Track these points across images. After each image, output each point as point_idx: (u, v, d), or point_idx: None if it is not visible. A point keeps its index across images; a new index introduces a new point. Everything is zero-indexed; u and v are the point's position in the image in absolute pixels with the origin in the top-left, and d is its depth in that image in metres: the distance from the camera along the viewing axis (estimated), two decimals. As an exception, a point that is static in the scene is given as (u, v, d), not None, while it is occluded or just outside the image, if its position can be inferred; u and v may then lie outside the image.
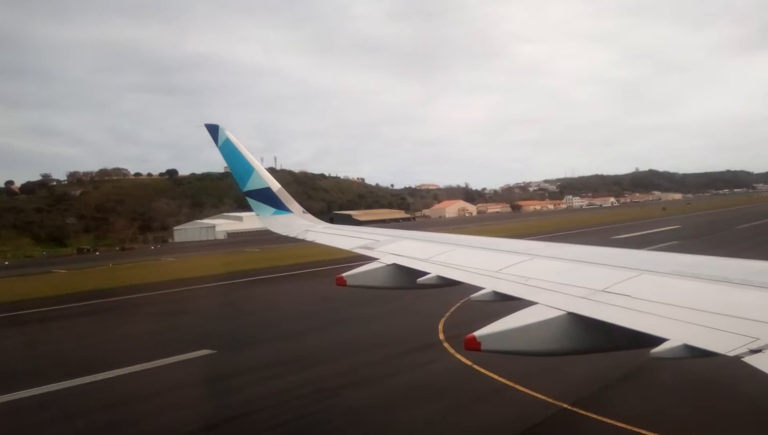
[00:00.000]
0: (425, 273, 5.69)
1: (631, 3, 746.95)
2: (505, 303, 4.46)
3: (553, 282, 4.52)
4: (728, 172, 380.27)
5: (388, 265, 6.34)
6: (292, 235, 9.50)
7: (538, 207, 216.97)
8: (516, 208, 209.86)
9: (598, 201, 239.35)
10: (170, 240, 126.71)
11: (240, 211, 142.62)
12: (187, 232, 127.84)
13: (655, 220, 74.58)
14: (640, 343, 3.35)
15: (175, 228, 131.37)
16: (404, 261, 6.34)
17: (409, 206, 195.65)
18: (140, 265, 55.93)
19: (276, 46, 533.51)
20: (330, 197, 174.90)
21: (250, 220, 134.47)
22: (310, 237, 9.07)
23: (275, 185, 10.04)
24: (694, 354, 2.98)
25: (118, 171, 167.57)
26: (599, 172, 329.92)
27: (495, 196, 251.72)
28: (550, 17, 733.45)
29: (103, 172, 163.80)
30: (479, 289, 4.76)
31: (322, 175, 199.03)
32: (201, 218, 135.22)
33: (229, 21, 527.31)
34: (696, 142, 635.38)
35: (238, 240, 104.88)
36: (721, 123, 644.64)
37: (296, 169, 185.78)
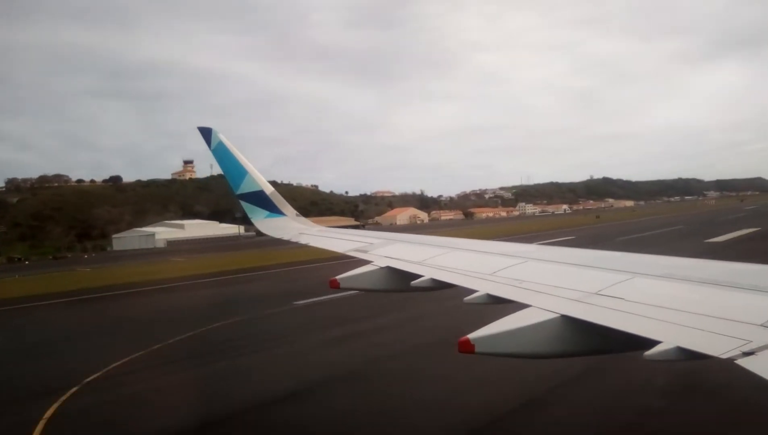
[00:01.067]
0: (419, 276, 5.66)
1: (584, 15, 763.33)
2: (499, 306, 4.41)
3: (547, 285, 4.49)
4: (680, 179, 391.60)
5: (382, 268, 6.30)
6: (285, 237, 9.45)
7: (490, 214, 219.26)
8: (468, 215, 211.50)
9: (551, 208, 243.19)
10: (109, 248, 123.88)
11: (184, 219, 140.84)
12: (126, 240, 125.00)
13: (573, 229, 76.07)
14: (633, 345, 3.33)
15: (113, 236, 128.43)
16: (398, 264, 6.31)
17: (362, 213, 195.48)
18: (43, 277, 54.26)
19: (233, 52, 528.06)
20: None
21: (191, 228, 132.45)
22: (303, 240, 9.05)
23: (268, 188, 10.07)
24: (687, 356, 2.97)
25: (59, 177, 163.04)
26: (556, 180, 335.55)
27: (450, 204, 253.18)
28: (506, 27, 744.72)
29: (43, 179, 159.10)
30: (473, 291, 4.72)
31: (274, 182, 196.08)
32: (143, 226, 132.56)
33: (185, 27, 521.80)
34: (650, 150, 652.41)
35: (177, 248, 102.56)
36: (674, 132, 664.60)
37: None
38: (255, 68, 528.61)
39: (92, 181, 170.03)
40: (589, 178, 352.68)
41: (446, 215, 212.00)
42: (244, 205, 9.99)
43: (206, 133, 9.88)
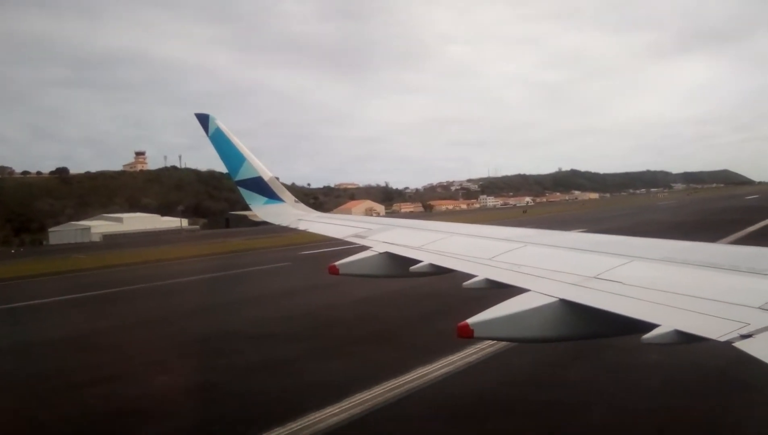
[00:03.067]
0: (418, 261, 5.57)
1: (555, 8, 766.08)
2: (498, 290, 4.34)
3: (546, 269, 4.47)
4: (648, 172, 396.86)
5: (380, 254, 6.26)
6: (284, 224, 9.42)
7: (450, 207, 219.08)
8: (428, 207, 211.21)
9: (514, 201, 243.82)
10: (45, 242, 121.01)
11: (129, 212, 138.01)
12: (61, 234, 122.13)
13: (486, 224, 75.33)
14: (631, 329, 3.34)
15: (49, 230, 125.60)
16: (397, 249, 6.27)
17: (320, 205, 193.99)
18: None
19: (201, 42, 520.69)
20: (234, 197, 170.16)
21: (130, 222, 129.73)
22: (302, 226, 9.08)
23: (267, 174, 9.91)
24: (684, 339, 2.96)
25: (2, 170, 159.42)
26: (525, 172, 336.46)
27: (415, 196, 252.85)
28: (477, 20, 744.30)
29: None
30: (472, 276, 4.68)
31: (229, 175, 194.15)
32: (85, 219, 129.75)
33: (151, 15, 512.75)
34: (620, 144, 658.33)
35: (110, 243, 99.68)
36: (643, 125, 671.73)
37: (204, 168, 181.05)
38: (222, 59, 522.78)
39: (38, 172, 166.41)
40: (557, 170, 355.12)
41: (407, 208, 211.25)
42: (243, 191, 9.89)
43: (203, 119, 9.62)
